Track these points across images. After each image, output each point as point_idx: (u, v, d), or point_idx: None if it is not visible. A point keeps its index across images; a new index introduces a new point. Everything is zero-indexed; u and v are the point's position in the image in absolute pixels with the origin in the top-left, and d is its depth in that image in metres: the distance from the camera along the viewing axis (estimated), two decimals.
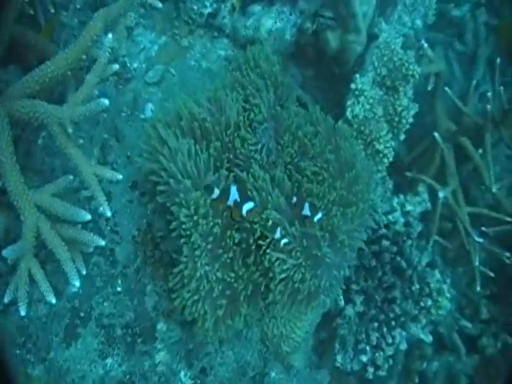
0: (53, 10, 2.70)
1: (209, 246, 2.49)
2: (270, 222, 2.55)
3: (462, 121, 3.87)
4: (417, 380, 3.82)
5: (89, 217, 2.25)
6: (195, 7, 3.32)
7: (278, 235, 2.56)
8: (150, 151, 2.57)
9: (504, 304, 3.99)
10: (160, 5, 2.66)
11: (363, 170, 2.92)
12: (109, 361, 2.64)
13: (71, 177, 2.32)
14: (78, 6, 3.02)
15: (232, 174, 2.67)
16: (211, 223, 2.50)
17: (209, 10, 3.34)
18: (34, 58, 2.53)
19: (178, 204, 2.46)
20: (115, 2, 2.54)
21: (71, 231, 2.30)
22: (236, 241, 2.58)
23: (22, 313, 2.18)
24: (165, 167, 2.50)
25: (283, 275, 2.55)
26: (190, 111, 2.64)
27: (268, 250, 2.56)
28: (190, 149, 2.54)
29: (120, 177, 2.39)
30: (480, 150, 3.79)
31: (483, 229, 3.73)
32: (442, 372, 3.86)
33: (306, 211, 2.64)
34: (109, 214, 2.33)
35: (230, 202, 2.51)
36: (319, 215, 2.64)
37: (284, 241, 2.56)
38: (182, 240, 2.46)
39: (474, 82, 3.93)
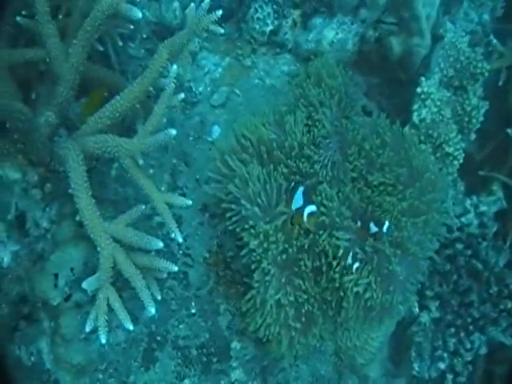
0: (121, 43, 2.73)
1: (280, 271, 2.43)
2: (340, 244, 2.47)
3: None
4: None
5: (161, 244, 2.23)
6: (257, 26, 3.26)
7: (349, 261, 2.48)
8: (219, 179, 2.55)
9: None
10: (222, 30, 2.62)
11: (434, 177, 2.79)
12: (186, 382, 2.62)
13: (143, 206, 2.29)
14: (145, 36, 3.04)
15: None
16: (281, 248, 2.45)
17: (270, 27, 3.27)
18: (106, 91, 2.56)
19: (247, 231, 2.43)
20: (179, 32, 2.54)
21: (145, 259, 2.29)
22: (308, 264, 2.51)
23: (103, 340, 2.17)
24: (234, 195, 2.47)
25: (355, 294, 2.48)
26: (256, 135, 2.61)
27: (337, 269, 2.50)
28: (259, 175, 2.50)
29: (189, 202, 2.35)
30: None
31: None
32: None
33: (373, 229, 2.56)
34: (180, 239, 2.30)
35: (298, 203, 2.47)
36: (386, 224, 2.54)
37: (356, 265, 2.48)
38: (253, 266, 2.42)
39: None
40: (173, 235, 2.30)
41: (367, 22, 3.34)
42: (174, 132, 2.23)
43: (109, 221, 2.23)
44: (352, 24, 3.32)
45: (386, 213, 2.63)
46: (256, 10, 3.27)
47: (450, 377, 3.29)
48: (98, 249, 2.17)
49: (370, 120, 2.95)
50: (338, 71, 2.88)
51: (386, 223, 2.54)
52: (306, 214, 2.44)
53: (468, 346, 3.24)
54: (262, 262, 2.41)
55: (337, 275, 2.49)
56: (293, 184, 2.53)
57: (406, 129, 3.19)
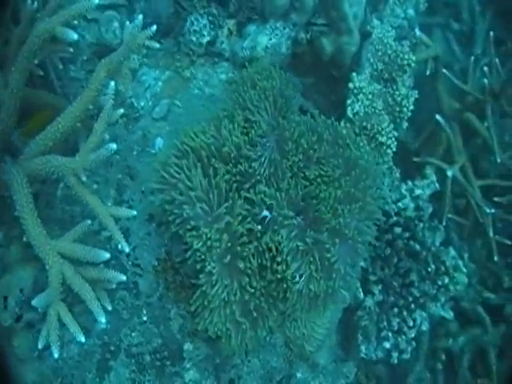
0: (61, 66, 2.71)
1: (224, 270, 2.42)
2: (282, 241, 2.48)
3: (465, 98, 3.73)
4: (444, 357, 3.66)
5: (107, 255, 2.23)
6: (194, 38, 3.23)
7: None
8: (162, 188, 2.51)
9: None
10: (157, 45, 2.62)
11: (368, 165, 2.81)
12: None
13: (89, 221, 2.29)
14: (85, 58, 3.01)
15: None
16: (225, 247, 2.43)
17: (207, 38, 3.25)
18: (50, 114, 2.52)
19: (190, 232, 2.41)
20: (116, 50, 2.52)
21: (94, 271, 2.28)
22: (252, 261, 2.49)
23: (56, 355, 2.16)
24: (178, 201, 2.45)
25: (298, 285, 2.49)
26: (196, 141, 2.57)
27: (280, 265, 2.49)
28: (200, 180, 2.48)
29: (134, 213, 2.36)
30: (486, 123, 3.66)
31: (496, 199, 3.60)
32: (469, 346, 3.68)
33: None
34: (127, 249, 2.30)
35: None
36: None
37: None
38: (198, 266, 2.40)
39: (472, 57, 3.78)
40: (120, 246, 2.30)
41: (298, 25, 3.34)
42: (114, 146, 2.23)
43: (56, 239, 2.22)
44: (284, 29, 3.31)
45: (323, 202, 2.61)
46: (192, 23, 3.25)
47: (395, 355, 3.30)
48: (47, 267, 2.16)
49: (306, 118, 2.95)
50: (273, 73, 2.86)
51: None
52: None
53: (411, 323, 3.24)
54: (207, 262, 2.39)
55: (280, 269, 2.48)
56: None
57: (342, 123, 3.19)
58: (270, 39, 3.29)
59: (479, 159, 3.77)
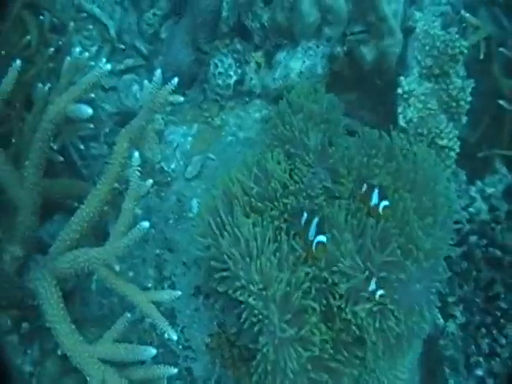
0: (82, 146, 2.30)
1: (286, 325, 1.92)
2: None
3: None
4: None
5: (154, 351, 1.79)
6: (220, 81, 2.76)
7: (373, 286, 1.98)
8: (206, 242, 2.08)
9: None
10: (181, 99, 2.14)
11: (432, 173, 2.27)
12: None
13: (129, 314, 1.88)
14: (108, 130, 2.61)
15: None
16: (282, 295, 1.95)
17: (234, 78, 2.77)
18: (75, 201, 2.11)
19: (241, 287, 1.96)
20: (135, 118, 2.07)
21: (141, 371, 1.85)
22: (316, 309, 2.00)
23: None
24: (224, 251, 2.00)
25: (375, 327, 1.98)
26: (237, 187, 2.14)
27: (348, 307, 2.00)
28: (248, 228, 2.04)
29: (179, 293, 1.90)
30: None
31: None
32: None
33: (375, 200, 2.11)
34: (175, 337, 1.85)
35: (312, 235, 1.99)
36: (386, 202, 2.09)
37: (380, 292, 1.97)
38: (256, 328, 1.94)
39: None
40: (166, 335, 1.85)
41: (333, 39, 2.81)
42: (147, 224, 1.80)
43: (94, 342, 1.81)
44: (318, 47, 2.80)
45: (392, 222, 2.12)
46: (216, 65, 2.78)
47: (490, 381, 2.61)
48: (87, 378, 1.75)
49: (354, 138, 2.43)
50: (309, 99, 2.40)
51: (386, 202, 2.10)
52: (314, 243, 1.97)
53: (503, 341, 2.57)
54: (265, 318, 1.92)
55: (349, 311, 2.00)
56: (306, 216, 2.05)
57: (394, 134, 2.61)
58: (304, 62, 2.80)
59: None
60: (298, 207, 2.09)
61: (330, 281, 2.03)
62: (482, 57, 3.04)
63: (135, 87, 2.78)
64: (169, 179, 2.59)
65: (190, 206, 2.48)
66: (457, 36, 2.79)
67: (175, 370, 1.84)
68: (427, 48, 2.82)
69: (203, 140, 2.72)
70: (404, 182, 2.25)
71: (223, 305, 2.07)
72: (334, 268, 2.03)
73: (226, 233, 2.04)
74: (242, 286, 1.96)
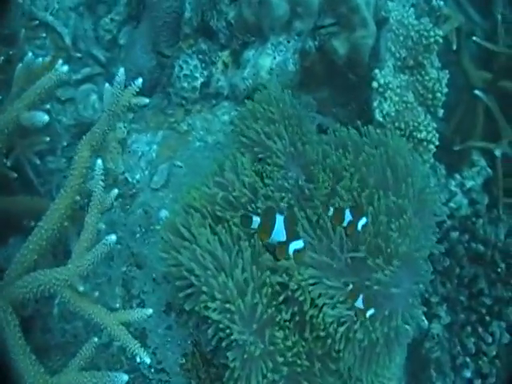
0: (38, 161, 2.16)
1: (254, 336, 1.82)
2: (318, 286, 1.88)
3: (495, 65, 2.97)
4: None
5: (125, 378, 1.66)
6: (185, 84, 2.62)
7: (360, 304, 1.88)
8: (168, 258, 1.96)
9: None
10: (146, 100, 2.02)
11: (409, 168, 2.18)
12: None
13: (95, 339, 1.75)
14: (66, 143, 2.45)
15: None
16: (252, 306, 1.84)
17: (200, 79, 2.63)
18: (32, 220, 1.97)
19: (205, 302, 1.84)
20: (96, 123, 1.93)
21: None
22: (286, 316, 1.91)
23: None
24: (184, 267, 1.89)
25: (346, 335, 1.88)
26: (200, 198, 2.03)
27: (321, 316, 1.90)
28: (207, 237, 1.93)
29: (150, 311, 1.78)
30: None
31: None
32: None
33: (348, 218, 1.98)
34: (148, 360, 1.73)
35: (274, 239, 1.84)
36: (363, 220, 1.96)
37: (370, 312, 1.87)
38: (223, 343, 1.84)
39: (499, 16, 2.99)
40: (138, 359, 1.73)
41: (304, 33, 2.70)
42: (113, 238, 1.67)
43: (58, 372, 1.67)
44: (288, 42, 2.69)
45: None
46: (181, 67, 2.65)
47: (477, 382, 2.55)
48: None
49: (328, 136, 2.33)
50: (277, 98, 2.28)
51: (364, 219, 1.97)
52: (291, 251, 1.82)
53: (489, 339, 2.52)
54: (232, 332, 1.81)
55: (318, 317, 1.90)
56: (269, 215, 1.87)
57: (369, 129, 2.51)
58: (274, 58, 2.68)
59: None
60: (248, 215, 1.92)
61: (301, 289, 1.95)
62: (454, 47, 3.00)
63: (93, 97, 2.61)
64: (134, 191, 2.45)
65: (158, 218, 2.34)
66: (430, 25, 2.70)
67: None
68: (401, 38, 2.73)
69: (169, 147, 2.58)
70: (378, 180, 2.14)
71: (197, 321, 1.96)
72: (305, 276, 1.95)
73: (184, 248, 1.93)
74: (205, 301, 1.85)
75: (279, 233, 1.84)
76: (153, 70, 2.66)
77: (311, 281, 1.92)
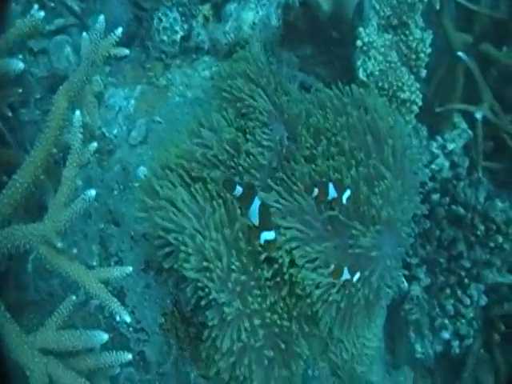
0: (10, 114, 2.04)
1: (232, 295, 1.80)
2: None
3: (476, 28, 2.96)
4: (502, 327, 2.71)
5: (105, 337, 1.63)
6: (165, 37, 2.50)
7: (347, 276, 1.86)
8: (147, 216, 1.92)
9: None
10: (127, 51, 1.93)
11: (391, 129, 2.14)
12: None
13: (74, 297, 1.69)
14: (39, 96, 2.31)
15: None
16: (229, 265, 1.82)
17: (180, 33, 2.50)
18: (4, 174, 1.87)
19: (184, 260, 1.81)
20: (74, 73, 1.84)
21: (90, 360, 1.66)
22: (268, 275, 1.90)
23: None
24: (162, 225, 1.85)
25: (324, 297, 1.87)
26: (178, 155, 1.97)
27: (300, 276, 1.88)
28: (182, 195, 1.89)
29: (130, 269, 1.74)
30: (504, 48, 2.92)
31: None
32: None
33: (332, 193, 1.95)
34: (128, 319, 1.68)
35: (254, 218, 1.82)
36: (348, 193, 1.95)
37: (357, 276, 1.87)
38: (202, 302, 1.82)
39: None
40: (118, 317, 1.68)
41: None
42: (92, 193, 1.61)
43: (34, 331, 1.62)
44: None
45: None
46: (160, 20, 2.52)
47: (456, 344, 2.59)
48: (27, 373, 1.56)
49: (310, 95, 2.30)
50: (258, 59, 2.23)
51: (348, 191, 1.96)
52: (262, 240, 1.81)
53: (467, 301, 2.55)
54: (211, 293, 1.79)
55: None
56: (243, 190, 1.85)
57: (354, 87, 2.46)
58: (257, 12, 2.59)
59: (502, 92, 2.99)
60: (233, 181, 1.90)
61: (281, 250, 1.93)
62: (438, 7, 2.94)
63: (67, 49, 2.44)
64: (111, 146, 2.35)
65: (136, 175, 2.24)
66: None
67: (129, 356, 1.68)
68: None
69: (147, 102, 2.47)
70: (359, 142, 2.11)
71: (176, 280, 1.93)
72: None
73: (160, 209, 1.88)
74: (183, 260, 1.82)
75: (254, 214, 1.83)
76: (130, 22, 2.54)
77: (293, 244, 1.91)
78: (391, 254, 2.01)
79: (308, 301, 1.90)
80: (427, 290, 2.61)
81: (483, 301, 2.58)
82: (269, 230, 1.82)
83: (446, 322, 2.58)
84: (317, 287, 1.87)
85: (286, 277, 1.91)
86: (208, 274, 1.81)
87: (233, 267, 1.82)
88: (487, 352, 2.77)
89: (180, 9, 2.55)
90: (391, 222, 2.00)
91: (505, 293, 2.75)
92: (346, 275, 1.87)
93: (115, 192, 2.24)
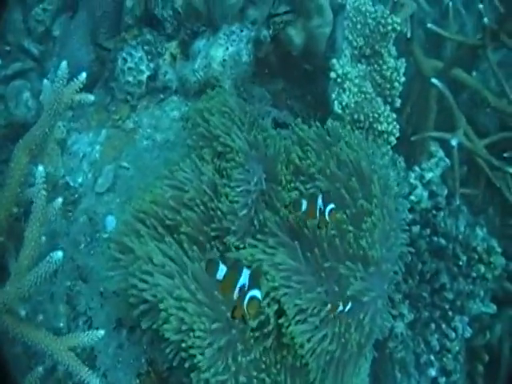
0: None
1: (219, 354, 1.66)
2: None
3: (446, 53, 2.96)
4: (486, 357, 2.61)
5: None
6: (130, 78, 2.41)
7: (340, 307, 1.76)
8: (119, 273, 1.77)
9: None
10: (92, 98, 1.83)
11: (371, 163, 2.08)
12: None
13: (40, 368, 1.55)
14: None
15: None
16: (212, 321, 1.68)
17: (147, 73, 2.42)
18: None
19: (165, 321, 1.66)
20: (35, 124, 1.72)
21: None
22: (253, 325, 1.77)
23: None
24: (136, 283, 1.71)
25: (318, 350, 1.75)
26: (152, 202, 1.84)
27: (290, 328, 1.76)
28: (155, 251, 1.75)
29: (101, 332, 1.61)
30: (474, 73, 2.93)
31: (505, 155, 2.76)
32: (506, 330, 2.71)
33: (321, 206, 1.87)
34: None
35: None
36: (331, 205, 1.84)
37: (348, 307, 1.76)
38: (186, 364, 1.66)
39: (450, 2, 2.92)
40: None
41: (258, 21, 2.57)
42: (59, 254, 1.48)
43: None
44: (242, 31, 2.54)
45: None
46: (125, 60, 2.44)
47: (442, 380, 2.45)
48: None
49: (287, 131, 2.22)
50: (233, 97, 2.15)
51: (331, 205, 1.85)
52: (246, 301, 1.59)
53: (453, 335, 2.43)
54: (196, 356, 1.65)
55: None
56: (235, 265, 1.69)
57: (329, 123, 2.39)
58: (227, 49, 2.52)
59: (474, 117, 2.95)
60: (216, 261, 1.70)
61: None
62: (409, 35, 2.91)
63: (26, 94, 2.37)
64: (76, 196, 2.22)
65: (105, 225, 2.12)
66: (387, 12, 2.59)
67: None
68: (359, 26, 2.62)
69: (114, 147, 2.35)
70: (345, 176, 2.03)
71: (152, 338, 1.77)
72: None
73: (134, 267, 1.73)
74: (164, 320, 1.66)
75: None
76: (92, 63, 2.47)
77: (281, 292, 1.80)
78: (381, 295, 1.94)
79: (298, 352, 1.77)
80: (411, 326, 2.48)
81: (468, 333, 2.47)
82: (254, 289, 1.62)
83: (432, 358, 2.46)
84: (308, 340, 1.75)
85: (273, 327, 1.78)
86: (190, 336, 1.66)
87: (215, 326, 1.68)
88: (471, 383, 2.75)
89: (145, 47, 2.48)
90: (380, 263, 1.92)
91: (487, 322, 2.69)
92: (340, 307, 1.76)
93: (82, 246, 2.08)
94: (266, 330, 1.78)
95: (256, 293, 1.61)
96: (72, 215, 2.16)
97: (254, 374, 1.72)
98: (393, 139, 2.59)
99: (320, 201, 1.91)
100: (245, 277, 1.63)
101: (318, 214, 1.91)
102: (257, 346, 1.77)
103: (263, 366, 1.76)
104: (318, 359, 1.78)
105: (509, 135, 2.91)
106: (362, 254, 1.90)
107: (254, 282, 1.63)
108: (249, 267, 1.68)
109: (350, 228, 1.93)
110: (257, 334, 1.79)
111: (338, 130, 2.21)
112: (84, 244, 2.10)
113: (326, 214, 1.90)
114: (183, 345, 1.64)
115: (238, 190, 1.92)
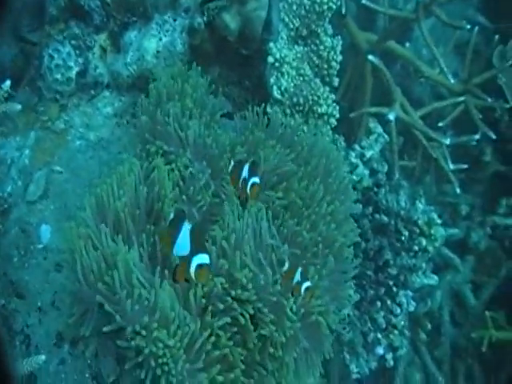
0: None
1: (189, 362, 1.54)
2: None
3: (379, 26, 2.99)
4: (429, 325, 2.69)
5: None
6: (58, 76, 2.17)
7: (298, 278, 1.69)
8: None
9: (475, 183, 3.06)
10: (19, 107, 1.62)
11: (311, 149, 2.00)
12: None
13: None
14: None
15: None
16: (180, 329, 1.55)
17: (75, 69, 2.18)
18: None
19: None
20: None
21: None
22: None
23: None
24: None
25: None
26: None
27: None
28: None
29: (42, 358, 1.44)
30: (407, 44, 2.88)
31: (440, 124, 2.72)
32: (446, 296, 2.84)
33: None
34: None
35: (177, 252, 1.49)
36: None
37: (306, 285, 1.68)
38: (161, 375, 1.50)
39: None
40: None
41: (192, 9, 2.38)
42: None
43: None
44: (175, 20, 2.36)
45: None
46: (52, 57, 2.20)
47: (389, 356, 2.47)
48: None
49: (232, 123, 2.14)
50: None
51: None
52: (193, 268, 1.43)
53: (398, 310, 2.45)
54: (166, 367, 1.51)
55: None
56: (172, 215, 1.53)
57: (268, 108, 2.26)
58: (160, 39, 2.34)
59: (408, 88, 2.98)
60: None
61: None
62: (344, 11, 2.77)
63: None
64: (6, 206, 1.98)
65: (39, 235, 1.91)
66: None
67: None
68: (294, 7, 2.48)
69: (44, 150, 2.12)
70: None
71: (96, 349, 1.60)
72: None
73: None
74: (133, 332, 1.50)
75: (183, 245, 1.48)
76: (15, 59, 2.21)
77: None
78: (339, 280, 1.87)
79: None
80: (358, 306, 2.46)
81: (412, 306, 2.50)
82: (201, 253, 1.47)
83: (379, 336, 2.45)
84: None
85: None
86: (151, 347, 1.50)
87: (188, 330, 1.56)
88: (414, 351, 2.77)
89: (73, 41, 2.24)
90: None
91: (427, 290, 2.75)
92: (297, 278, 1.69)
93: (15, 259, 1.87)
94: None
95: (203, 259, 1.44)
96: (2, 227, 1.93)
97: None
98: (333, 121, 2.52)
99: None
100: (185, 232, 1.48)
101: (240, 184, 1.80)
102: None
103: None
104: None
105: (441, 105, 2.89)
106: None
107: (197, 244, 1.47)
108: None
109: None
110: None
111: (277, 116, 2.12)
112: (17, 257, 1.88)
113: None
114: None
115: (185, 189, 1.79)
